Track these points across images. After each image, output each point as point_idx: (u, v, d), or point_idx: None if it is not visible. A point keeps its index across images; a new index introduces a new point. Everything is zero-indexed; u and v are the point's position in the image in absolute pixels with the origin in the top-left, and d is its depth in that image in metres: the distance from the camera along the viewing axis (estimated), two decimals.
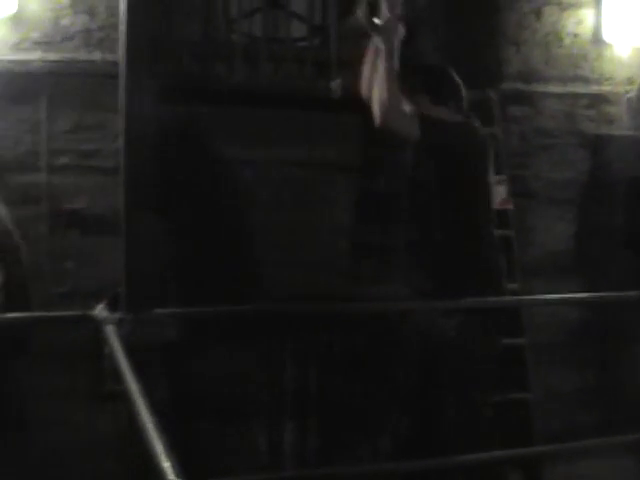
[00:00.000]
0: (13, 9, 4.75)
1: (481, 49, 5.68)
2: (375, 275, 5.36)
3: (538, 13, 5.68)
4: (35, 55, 4.82)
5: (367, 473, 3.97)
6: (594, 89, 5.86)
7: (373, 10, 3.87)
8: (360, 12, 3.92)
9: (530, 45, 5.68)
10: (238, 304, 3.75)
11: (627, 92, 5.97)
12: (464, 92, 4.10)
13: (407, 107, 3.88)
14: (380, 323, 5.06)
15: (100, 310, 2.96)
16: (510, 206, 5.33)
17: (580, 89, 5.84)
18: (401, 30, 3.85)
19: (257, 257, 5.09)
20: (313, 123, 5.16)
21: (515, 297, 4.36)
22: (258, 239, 5.11)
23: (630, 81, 5.97)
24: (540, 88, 5.71)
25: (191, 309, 3.72)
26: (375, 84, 3.85)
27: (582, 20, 5.83)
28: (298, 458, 5.25)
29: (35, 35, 4.83)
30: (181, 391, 4.92)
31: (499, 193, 5.19)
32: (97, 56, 4.89)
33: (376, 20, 3.82)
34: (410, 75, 4.00)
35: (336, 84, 5.03)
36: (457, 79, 4.09)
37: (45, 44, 4.84)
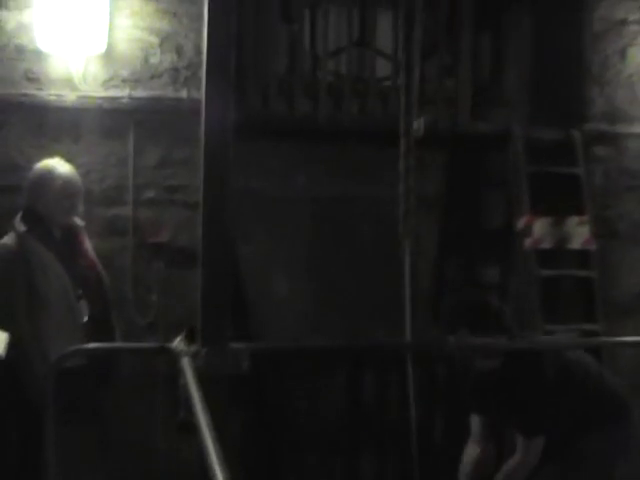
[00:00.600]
0: (103, 48, 4.90)
1: (566, 89, 5.67)
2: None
3: (622, 53, 5.64)
4: (124, 92, 4.97)
5: None
6: None
7: None
8: None
9: (614, 85, 5.64)
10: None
11: None
12: (509, 319, 4.01)
13: None
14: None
15: (178, 342, 3.02)
16: (593, 246, 5.28)
17: None
18: None
19: (343, 294, 5.15)
20: (398, 160, 5.20)
21: (598, 338, 4.31)
22: (344, 276, 5.16)
23: None
24: (624, 129, 5.66)
25: (267, 344, 3.77)
26: None
27: None
28: None
29: (124, 73, 4.98)
30: (254, 422, 4.97)
31: (582, 233, 5.16)
32: (184, 93, 5.02)
33: None
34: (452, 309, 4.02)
35: (419, 122, 5.07)
36: (499, 310, 4.05)
37: (133, 81, 4.99)
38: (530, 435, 3.86)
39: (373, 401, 5.28)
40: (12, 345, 3.77)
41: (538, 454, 3.85)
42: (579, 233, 5.08)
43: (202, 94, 2.86)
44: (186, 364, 2.73)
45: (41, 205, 4.15)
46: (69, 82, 4.93)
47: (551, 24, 5.68)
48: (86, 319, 4.14)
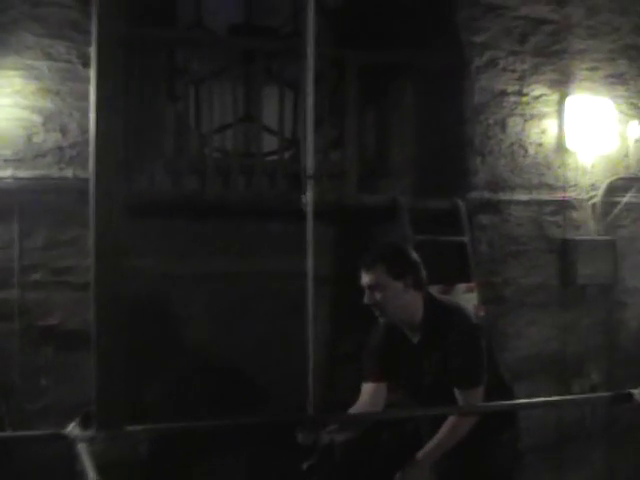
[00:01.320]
0: None
1: (449, 160, 5.80)
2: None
3: (503, 124, 5.81)
4: (7, 172, 4.85)
5: None
6: (559, 196, 5.97)
7: None
8: None
9: (496, 155, 5.81)
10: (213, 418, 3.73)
11: (591, 198, 6.09)
12: (423, 269, 4.08)
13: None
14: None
15: (72, 428, 2.94)
16: (481, 312, 5.37)
17: (546, 196, 5.95)
18: None
19: (239, 369, 5.10)
20: (286, 235, 5.21)
21: (488, 403, 4.34)
22: (239, 351, 5.12)
23: (594, 187, 6.10)
24: (507, 196, 5.82)
25: (163, 425, 3.68)
26: None
27: (545, 130, 5.97)
28: None
29: (7, 153, 4.87)
30: None
31: (470, 300, 5.24)
32: (69, 173, 4.94)
33: None
34: (370, 250, 4.08)
35: (306, 197, 5.10)
36: (415, 257, 4.10)
37: (17, 161, 4.88)
38: (466, 386, 3.93)
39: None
40: None
41: (479, 401, 3.92)
42: (467, 300, 5.16)
43: (90, 173, 2.83)
44: (82, 450, 2.65)
45: None
46: None
47: (434, 96, 5.84)
48: None
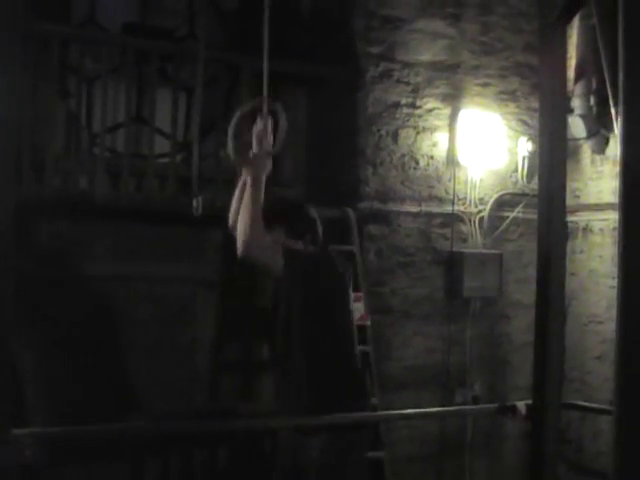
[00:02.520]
0: None
1: (341, 169, 5.82)
2: (240, 391, 5.36)
3: (395, 135, 5.87)
4: None
5: None
6: (448, 209, 6.05)
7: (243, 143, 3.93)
8: (229, 146, 3.94)
9: (387, 167, 5.85)
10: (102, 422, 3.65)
11: (480, 212, 6.19)
12: (320, 227, 4.16)
13: (270, 240, 3.93)
14: (245, 440, 5.04)
15: None
16: (368, 322, 5.41)
17: (435, 208, 6.03)
18: (269, 164, 3.92)
19: (120, 374, 5.02)
20: (175, 239, 5.17)
21: (374, 413, 4.39)
22: (122, 355, 5.04)
23: (482, 201, 6.20)
24: (396, 207, 5.87)
25: (51, 429, 3.60)
26: (240, 215, 3.88)
27: (437, 143, 6.05)
28: None
29: None
30: None
31: (358, 309, 5.26)
32: None
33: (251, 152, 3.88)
34: (268, 210, 4.07)
35: (198, 201, 5.06)
36: (313, 215, 4.15)
37: None
38: None
39: None
40: None
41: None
42: (355, 309, 5.18)
43: None
44: None
45: None
46: None
47: (327, 106, 5.85)
48: None
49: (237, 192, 4.16)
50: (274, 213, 4.05)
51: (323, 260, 4.17)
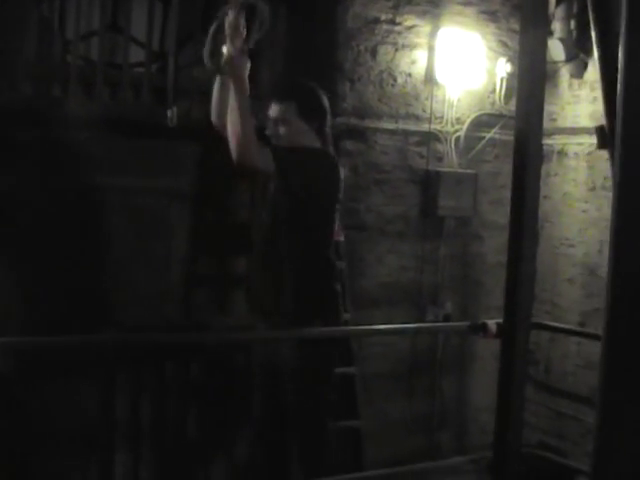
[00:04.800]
0: None
1: (318, 84, 5.74)
2: (215, 305, 5.35)
3: (373, 51, 5.80)
4: None
5: None
6: (425, 127, 6.02)
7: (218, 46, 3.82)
8: (205, 50, 3.84)
9: (365, 82, 5.80)
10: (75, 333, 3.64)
11: (456, 131, 6.16)
12: (330, 119, 4.16)
13: (261, 142, 3.91)
14: (220, 353, 5.05)
15: None
16: (341, 238, 5.40)
17: (412, 127, 5.99)
18: (247, 63, 3.80)
19: (94, 285, 4.99)
20: (150, 151, 5.11)
21: (347, 327, 4.41)
22: (95, 267, 5.01)
23: (459, 121, 6.17)
24: (373, 124, 5.83)
25: (21, 339, 3.58)
26: (229, 120, 3.81)
27: (415, 61, 5.98)
28: None
29: None
30: (11, 424, 4.77)
31: None
32: None
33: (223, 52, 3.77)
34: (286, 84, 4.02)
35: (172, 112, 5.00)
36: (326, 103, 4.15)
37: None
38: None
39: (130, 399, 5.17)
40: None
41: (261, 157, 3.86)
42: None
43: None
44: None
45: None
46: None
47: (307, 19, 5.76)
48: None
49: (216, 93, 4.08)
50: (288, 89, 4.07)
51: (319, 155, 4.14)
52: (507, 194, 5.88)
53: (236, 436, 5.41)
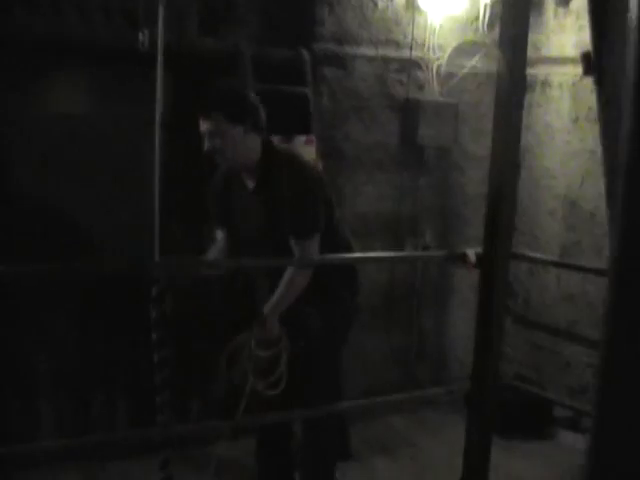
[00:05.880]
0: None
1: (296, 8, 5.60)
2: (187, 237, 5.26)
3: None
4: None
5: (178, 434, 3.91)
6: (405, 54, 5.88)
7: None
8: None
9: (344, 7, 5.63)
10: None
11: (437, 59, 6.02)
12: (263, 113, 4.04)
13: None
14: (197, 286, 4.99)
15: None
16: (319, 167, 5.29)
17: (392, 53, 5.85)
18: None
19: (60, 216, 4.88)
20: (122, 77, 4.96)
21: (325, 256, 4.33)
22: (64, 198, 4.90)
23: (441, 49, 6.03)
24: (352, 50, 5.69)
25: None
26: None
27: None
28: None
29: None
30: None
31: (309, 153, 5.15)
32: None
33: None
34: (207, 96, 3.95)
35: (144, 35, 4.84)
36: (255, 101, 4.04)
37: None
38: (302, 236, 3.98)
39: (106, 333, 5.11)
40: None
41: (315, 253, 3.98)
42: (306, 153, 5.07)
43: None
44: None
45: None
46: None
47: None
48: None
49: None
50: (212, 100, 3.95)
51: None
52: (488, 124, 5.78)
53: (211, 372, 5.37)
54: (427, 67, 6.00)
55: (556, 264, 5.95)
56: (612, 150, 3.92)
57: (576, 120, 6.15)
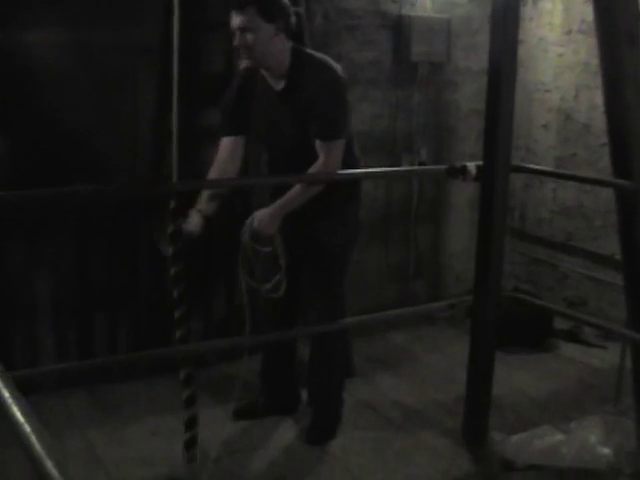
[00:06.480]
0: None
1: None
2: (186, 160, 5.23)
3: None
4: None
5: (180, 354, 3.94)
6: None
7: None
8: None
9: None
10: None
11: None
12: (292, 12, 4.06)
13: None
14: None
15: None
16: None
17: None
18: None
19: (58, 142, 4.85)
20: (114, 2, 4.90)
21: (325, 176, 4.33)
22: (60, 123, 4.86)
23: None
24: None
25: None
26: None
27: None
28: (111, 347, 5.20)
29: None
30: None
31: None
32: None
33: None
34: None
35: None
36: (287, 4, 4.04)
37: None
38: (329, 138, 3.99)
39: (103, 259, 5.12)
40: None
41: (339, 157, 4.00)
42: None
43: None
44: None
45: None
46: None
47: None
48: None
49: None
50: None
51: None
52: (481, 39, 5.81)
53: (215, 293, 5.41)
54: None
55: (557, 175, 5.97)
56: (610, 59, 3.94)
57: (569, 32, 6.13)
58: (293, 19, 4.06)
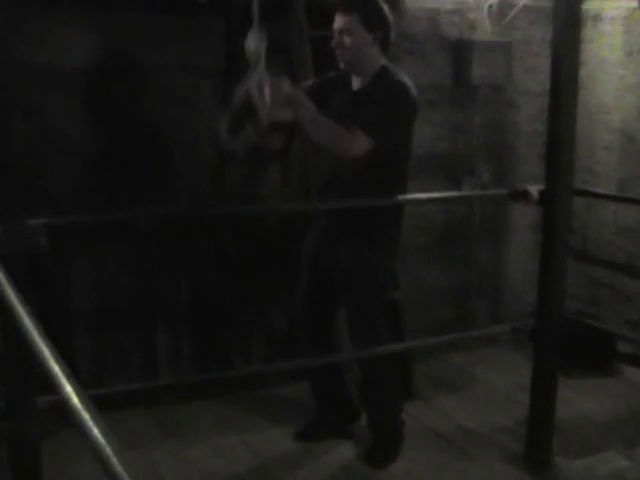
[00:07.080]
0: None
1: None
2: (248, 179, 5.31)
3: None
4: None
5: (242, 376, 3.99)
6: None
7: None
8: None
9: None
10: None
11: None
12: (392, 35, 4.22)
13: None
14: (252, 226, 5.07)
15: None
16: None
17: None
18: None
19: (126, 165, 4.95)
20: (177, 27, 4.99)
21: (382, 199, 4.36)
22: (126, 146, 4.96)
23: None
24: None
25: (64, 218, 3.56)
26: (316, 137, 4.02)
27: None
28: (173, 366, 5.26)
29: None
30: (53, 302, 4.81)
31: None
32: None
33: None
34: None
35: None
36: (388, 16, 4.15)
37: None
38: (365, 128, 3.97)
39: (165, 273, 5.20)
40: None
41: (362, 144, 3.95)
42: None
43: None
44: None
45: None
46: None
47: None
48: None
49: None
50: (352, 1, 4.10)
51: None
52: (541, 62, 5.81)
53: (273, 307, 5.45)
54: (479, 7, 5.96)
55: (621, 199, 5.93)
56: None
57: (630, 54, 6.10)
58: (393, 35, 4.19)
